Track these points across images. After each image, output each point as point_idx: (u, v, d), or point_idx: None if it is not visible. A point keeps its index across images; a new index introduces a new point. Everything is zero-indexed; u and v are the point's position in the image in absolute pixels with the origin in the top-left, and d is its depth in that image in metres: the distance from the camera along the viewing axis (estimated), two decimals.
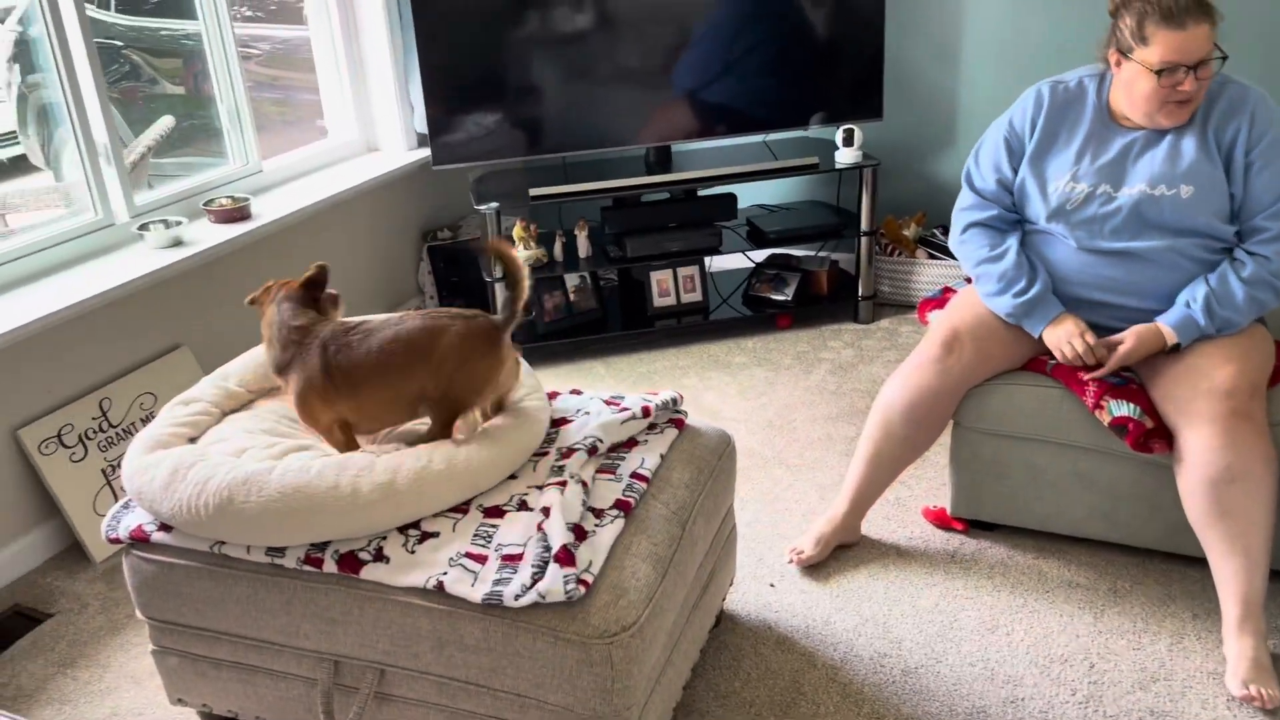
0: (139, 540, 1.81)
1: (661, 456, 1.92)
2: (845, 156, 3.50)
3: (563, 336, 3.52)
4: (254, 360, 2.06)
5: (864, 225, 3.54)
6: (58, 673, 2.20)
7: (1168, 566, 2.32)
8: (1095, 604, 2.22)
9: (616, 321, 3.62)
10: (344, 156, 3.68)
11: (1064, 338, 2.17)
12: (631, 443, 1.94)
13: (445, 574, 1.63)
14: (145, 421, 2.73)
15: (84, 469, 2.58)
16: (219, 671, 1.88)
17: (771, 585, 2.33)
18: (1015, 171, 2.29)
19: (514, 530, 1.69)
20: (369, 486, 1.67)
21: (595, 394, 2.09)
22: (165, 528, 1.79)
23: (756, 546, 2.46)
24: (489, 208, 3.32)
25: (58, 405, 2.57)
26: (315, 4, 3.55)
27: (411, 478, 1.69)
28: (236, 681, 1.87)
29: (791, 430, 2.97)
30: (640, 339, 3.63)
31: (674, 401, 2.04)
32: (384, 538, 1.70)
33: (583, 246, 3.53)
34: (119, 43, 3.93)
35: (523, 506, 1.75)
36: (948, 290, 2.54)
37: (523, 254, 3.46)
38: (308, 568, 1.70)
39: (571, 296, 3.59)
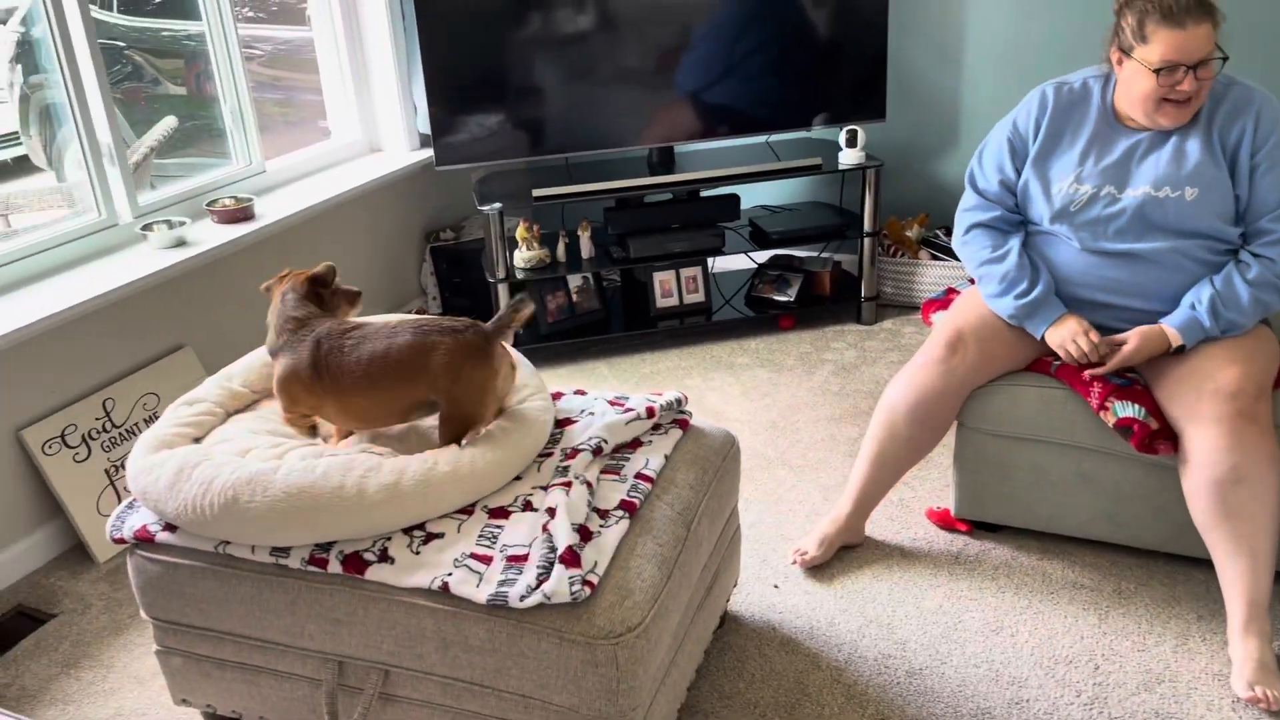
0: (143, 540, 1.81)
1: (666, 457, 1.91)
2: (848, 157, 3.50)
3: (565, 337, 3.52)
4: (258, 360, 2.06)
5: (867, 226, 3.54)
6: (61, 673, 2.20)
7: (1172, 568, 2.32)
8: (1100, 605, 2.22)
9: (619, 322, 3.62)
10: (347, 157, 3.68)
11: (1068, 336, 2.17)
12: (636, 443, 1.94)
13: (450, 575, 1.63)
14: (149, 422, 2.72)
15: (87, 469, 2.58)
16: (223, 672, 1.87)
17: (776, 586, 2.32)
18: (1019, 173, 2.29)
19: (519, 531, 1.69)
20: (374, 487, 1.67)
21: (600, 394, 2.08)
22: (170, 528, 1.79)
23: (760, 547, 2.46)
24: (492, 208, 3.32)
25: (61, 405, 2.57)
26: (318, 5, 3.55)
27: (417, 479, 1.69)
28: (240, 682, 1.87)
29: (795, 431, 2.97)
30: (643, 340, 3.63)
31: (679, 402, 2.04)
32: (389, 538, 1.70)
33: (585, 247, 3.53)
34: (122, 43, 3.93)
35: (528, 507, 1.74)
36: (952, 291, 2.54)
37: (525, 255, 3.46)
38: (312, 568, 1.70)
39: (574, 297, 3.59)
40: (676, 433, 1.99)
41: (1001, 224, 2.32)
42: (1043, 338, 2.22)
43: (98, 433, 2.62)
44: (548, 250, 3.50)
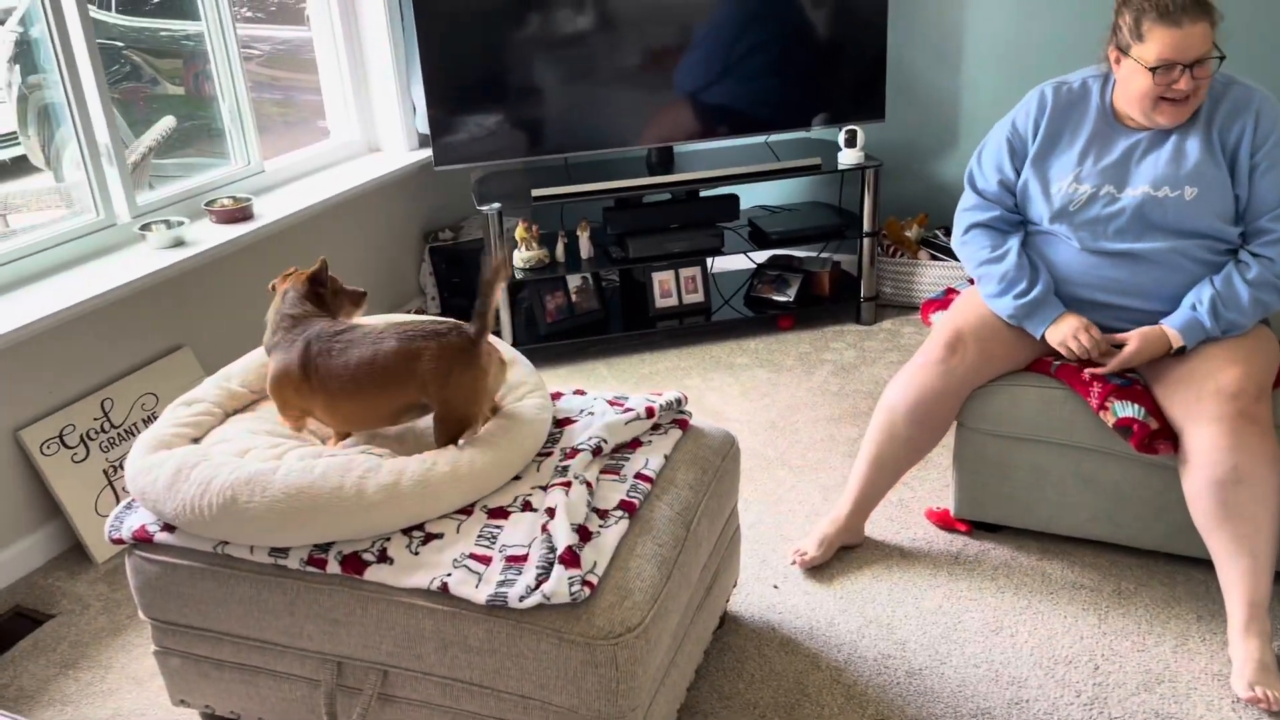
0: (142, 540, 1.80)
1: (666, 457, 1.91)
2: (847, 157, 3.50)
3: (565, 337, 3.52)
4: (256, 361, 2.06)
5: (866, 226, 3.54)
6: (59, 674, 2.19)
7: (1172, 568, 2.32)
8: (1100, 605, 2.22)
9: (618, 322, 3.62)
10: (346, 157, 3.68)
11: (1068, 333, 2.17)
12: (635, 443, 1.93)
13: (449, 575, 1.62)
14: (147, 422, 2.72)
15: (86, 470, 2.58)
16: (221, 673, 1.87)
17: (775, 586, 2.32)
18: (1018, 173, 2.29)
19: (518, 531, 1.69)
20: (373, 488, 1.67)
21: (599, 394, 2.08)
22: (168, 528, 1.79)
23: (760, 548, 2.46)
24: (491, 208, 3.32)
25: (59, 406, 2.57)
26: (317, 4, 3.55)
27: (416, 480, 1.69)
28: (239, 683, 1.87)
29: (794, 431, 2.97)
30: (642, 340, 3.62)
31: (678, 402, 2.03)
32: (388, 539, 1.70)
33: (585, 247, 3.53)
34: (120, 43, 3.92)
35: (527, 507, 1.74)
36: (951, 291, 2.54)
37: (525, 255, 3.46)
38: (311, 569, 1.69)
39: (573, 297, 3.58)
40: (676, 433, 1.98)
41: (1001, 224, 2.31)
42: (1042, 337, 2.21)
43: (96, 433, 2.61)
44: (547, 250, 3.50)
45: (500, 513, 1.74)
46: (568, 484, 1.74)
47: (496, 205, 3.33)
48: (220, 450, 1.81)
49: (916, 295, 3.69)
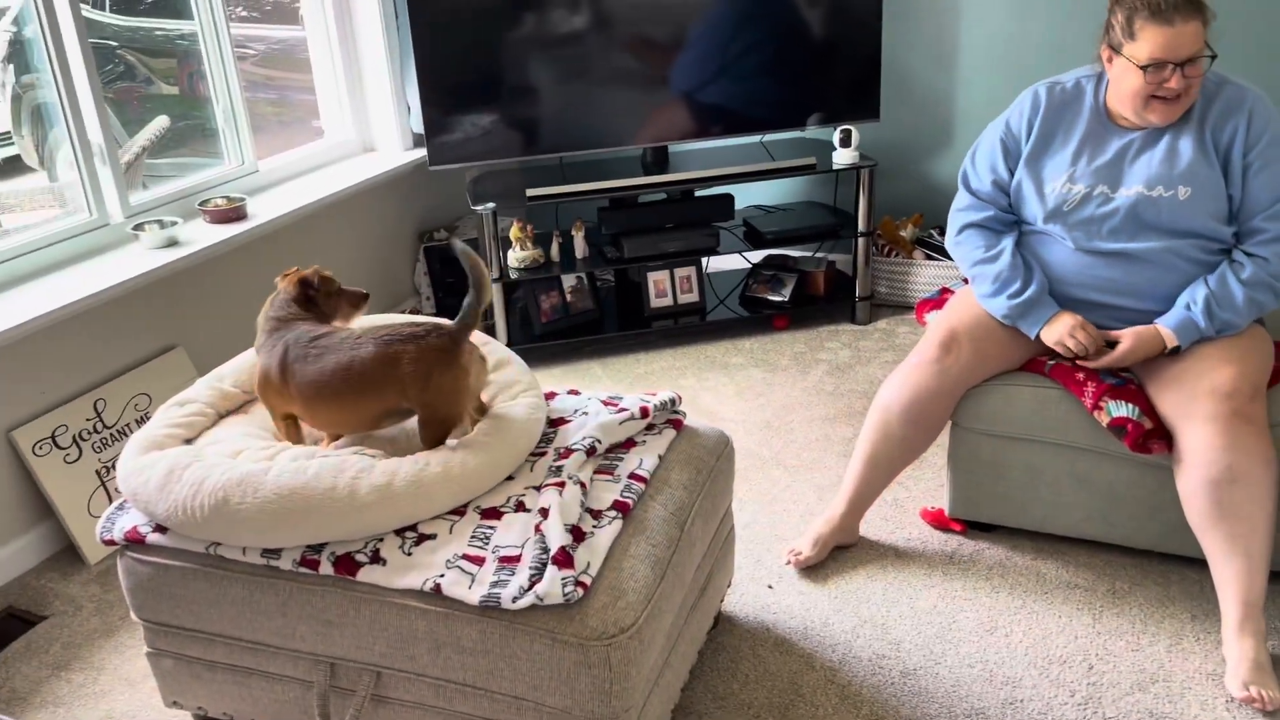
0: (134, 542, 1.80)
1: (660, 457, 1.91)
2: (842, 157, 3.49)
3: (559, 337, 3.52)
4: (249, 361, 2.05)
5: (861, 226, 3.54)
6: (52, 675, 2.19)
7: (1166, 567, 2.32)
8: (1094, 605, 2.22)
9: (613, 322, 3.61)
10: (340, 156, 3.67)
11: (1064, 331, 2.17)
12: (629, 443, 1.93)
13: (442, 576, 1.62)
14: (140, 423, 2.71)
15: (78, 470, 2.57)
16: (214, 674, 1.87)
17: (770, 587, 2.32)
18: (1011, 173, 2.29)
19: (511, 532, 1.69)
20: (366, 489, 1.67)
21: (593, 394, 2.08)
22: (160, 529, 1.78)
23: (754, 548, 2.45)
24: (485, 208, 3.31)
25: (52, 406, 2.56)
26: (311, 4, 3.54)
27: (408, 481, 1.68)
28: (231, 684, 1.86)
29: (789, 431, 2.97)
30: (637, 340, 3.62)
31: (672, 402, 2.03)
32: (381, 540, 1.69)
33: (580, 247, 3.53)
34: (114, 43, 3.91)
35: (520, 508, 1.74)
36: (946, 291, 2.54)
37: (519, 254, 3.45)
38: (304, 569, 1.69)
39: (568, 297, 3.58)
40: (670, 433, 1.98)
41: (995, 224, 2.31)
42: (1037, 337, 2.21)
43: (89, 433, 2.61)
44: (542, 250, 3.50)
45: (493, 513, 1.73)
46: (561, 484, 1.74)
47: (491, 205, 3.32)
48: (213, 451, 1.80)
49: (911, 295, 3.69)
